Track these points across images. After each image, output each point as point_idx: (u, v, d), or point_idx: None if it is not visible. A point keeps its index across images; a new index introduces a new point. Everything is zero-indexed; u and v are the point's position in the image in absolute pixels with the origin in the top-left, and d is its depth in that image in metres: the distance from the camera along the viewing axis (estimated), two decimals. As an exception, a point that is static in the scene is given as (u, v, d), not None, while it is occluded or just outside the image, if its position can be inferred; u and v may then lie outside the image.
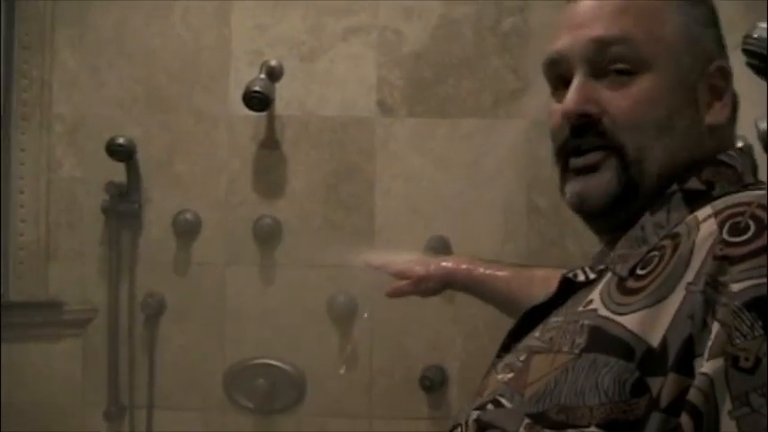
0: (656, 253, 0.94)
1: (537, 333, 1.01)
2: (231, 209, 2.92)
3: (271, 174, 2.92)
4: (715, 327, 0.83)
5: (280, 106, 2.90)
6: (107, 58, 2.93)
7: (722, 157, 1.03)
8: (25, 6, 2.89)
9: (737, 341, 0.81)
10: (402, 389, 2.88)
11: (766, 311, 0.81)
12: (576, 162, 1.06)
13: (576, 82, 1.05)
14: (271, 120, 2.91)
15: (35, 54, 2.91)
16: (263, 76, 2.82)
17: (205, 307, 2.93)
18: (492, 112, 2.86)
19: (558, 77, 1.10)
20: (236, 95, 2.79)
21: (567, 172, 1.08)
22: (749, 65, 1.36)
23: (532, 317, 1.07)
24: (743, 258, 0.84)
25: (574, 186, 1.06)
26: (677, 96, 1.03)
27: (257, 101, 2.76)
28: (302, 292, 2.91)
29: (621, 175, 1.02)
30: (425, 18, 2.89)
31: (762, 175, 1.61)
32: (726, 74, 1.07)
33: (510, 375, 0.99)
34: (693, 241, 0.89)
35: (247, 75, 2.82)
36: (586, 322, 0.93)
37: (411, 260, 1.79)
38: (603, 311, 0.93)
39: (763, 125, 1.49)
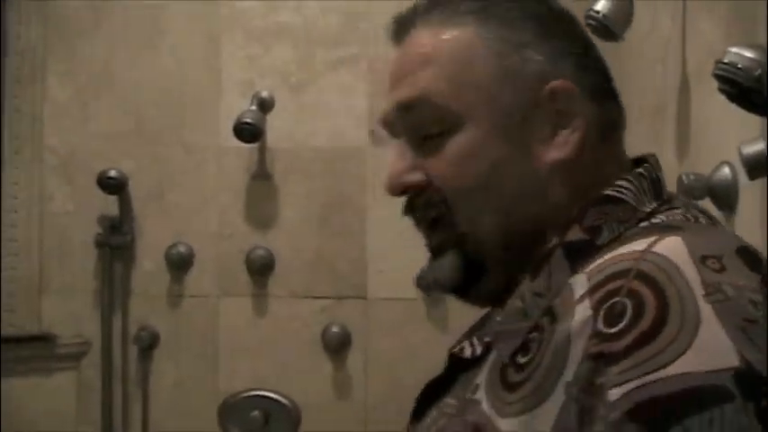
0: (535, 335, 0.79)
1: (434, 413, 0.89)
2: (223, 240, 2.92)
3: (263, 205, 2.91)
4: None
5: (271, 137, 2.89)
6: (97, 92, 2.93)
7: (608, 191, 0.87)
8: (16, 41, 2.89)
9: None
10: (397, 421, 2.85)
11: (650, 420, 0.67)
12: (425, 242, 0.94)
13: (394, 151, 0.93)
14: (262, 151, 2.91)
15: (26, 88, 2.91)
16: (253, 107, 2.82)
17: (198, 339, 2.92)
18: (483, 140, 2.85)
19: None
20: (227, 127, 2.79)
21: None
22: (721, 90, 1.33)
23: (433, 392, 0.93)
24: (619, 356, 0.69)
25: (423, 267, 0.94)
26: (499, 143, 0.88)
27: (248, 132, 2.76)
28: (296, 324, 2.90)
29: (462, 257, 0.90)
30: (415, 47, 2.88)
31: (748, 206, 1.60)
32: (562, 95, 0.88)
33: None
34: (569, 329, 0.74)
35: (238, 106, 2.82)
36: (470, 418, 0.81)
37: None
38: (486, 407, 0.80)
39: (746, 150, 1.47)
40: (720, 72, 1.31)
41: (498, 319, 0.87)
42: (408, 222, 0.93)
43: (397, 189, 0.92)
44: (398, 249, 2.84)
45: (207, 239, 2.92)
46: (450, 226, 0.89)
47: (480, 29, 0.90)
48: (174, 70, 2.93)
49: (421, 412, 0.93)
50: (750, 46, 1.31)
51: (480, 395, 0.82)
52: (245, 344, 2.91)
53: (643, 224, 0.84)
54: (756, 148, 1.43)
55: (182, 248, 2.91)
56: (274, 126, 2.89)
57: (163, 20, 2.94)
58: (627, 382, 0.68)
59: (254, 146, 2.87)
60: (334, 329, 2.88)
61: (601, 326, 0.71)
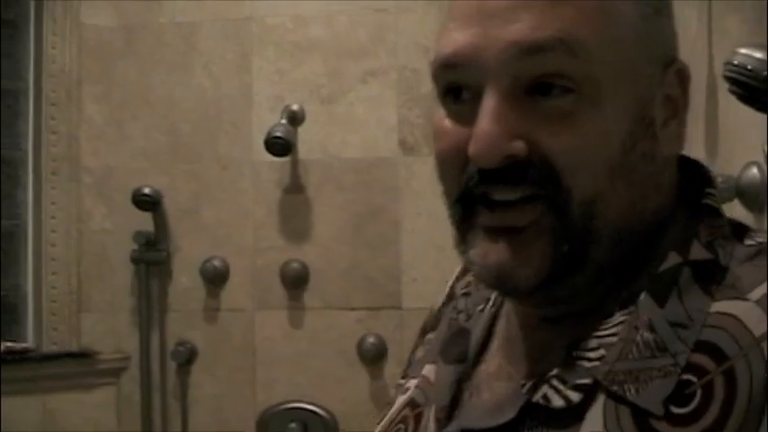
0: (691, 378, 0.66)
1: None
2: (258, 254, 2.94)
3: (296, 218, 2.94)
4: None
5: (302, 150, 2.92)
6: (131, 111, 2.98)
7: (708, 201, 0.74)
8: (52, 64, 2.95)
9: None
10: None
11: None
12: (493, 219, 0.71)
13: (490, 106, 0.69)
14: (294, 164, 2.93)
15: (62, 109, 2.97)
16: (284, 121, 2.85)
17: (235, 353, 2.94)
18: (514, 148, 2.86)
19: (452, 83, 0.73)
20: (259, 142, 2.82)
21: (471, 224, 0.73)
22: (731, 92, 1.33)
23: None
24: None
25: (488, 253, 0.71)
26: (634, 122, 0.71)
27: (279, 146, 2.79)
28: (331, 335, 2.91)
29: (560, 244, 0.70)
30: (444, 57, 2.89)
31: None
32: (685, 80, 0.75)
33: None
34: (763, 374, 0.63)
35: (269, 120, 2.85)
36: None
37: None
38: None
39: (773, 148, 1.46)
40: (730, 74, 1.30)
41: (603, 352, 0.70)
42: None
43: (495, 159, 0.68)
44: (432, 258, 2.86)
45: (242, 253, 2.94)
46: (557, 209, 0.70)
47: None
48: (206, 88, 2.97)
49: None
50: (759, 46, 1.30)
51: None
52: (281, 356, 2.93)
53: (748, 242, 0.73)
54: (782, 147, 1.42)
55: (217, 263, 2.94)
56: (306, 139, 2.91)
57: (195, 39, 2.98)
58: None
59: (287, 159, 2.90)
60: (370, 340, 2.89)
61: None
